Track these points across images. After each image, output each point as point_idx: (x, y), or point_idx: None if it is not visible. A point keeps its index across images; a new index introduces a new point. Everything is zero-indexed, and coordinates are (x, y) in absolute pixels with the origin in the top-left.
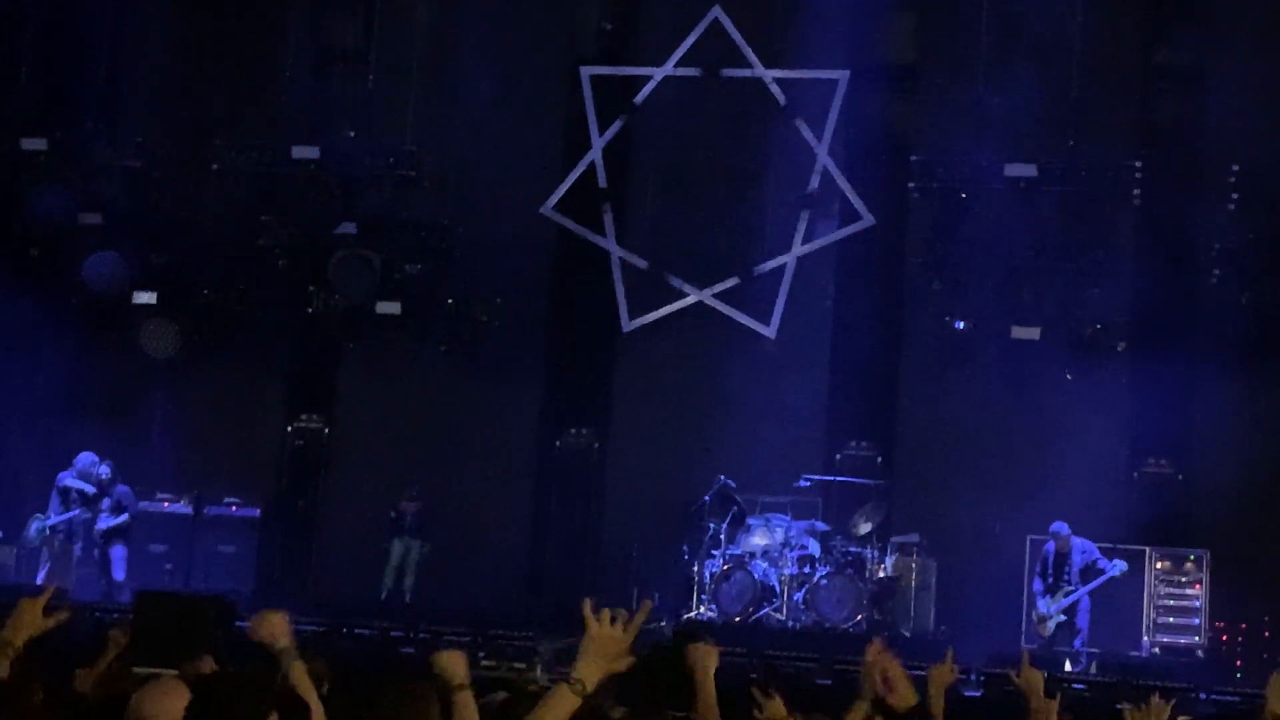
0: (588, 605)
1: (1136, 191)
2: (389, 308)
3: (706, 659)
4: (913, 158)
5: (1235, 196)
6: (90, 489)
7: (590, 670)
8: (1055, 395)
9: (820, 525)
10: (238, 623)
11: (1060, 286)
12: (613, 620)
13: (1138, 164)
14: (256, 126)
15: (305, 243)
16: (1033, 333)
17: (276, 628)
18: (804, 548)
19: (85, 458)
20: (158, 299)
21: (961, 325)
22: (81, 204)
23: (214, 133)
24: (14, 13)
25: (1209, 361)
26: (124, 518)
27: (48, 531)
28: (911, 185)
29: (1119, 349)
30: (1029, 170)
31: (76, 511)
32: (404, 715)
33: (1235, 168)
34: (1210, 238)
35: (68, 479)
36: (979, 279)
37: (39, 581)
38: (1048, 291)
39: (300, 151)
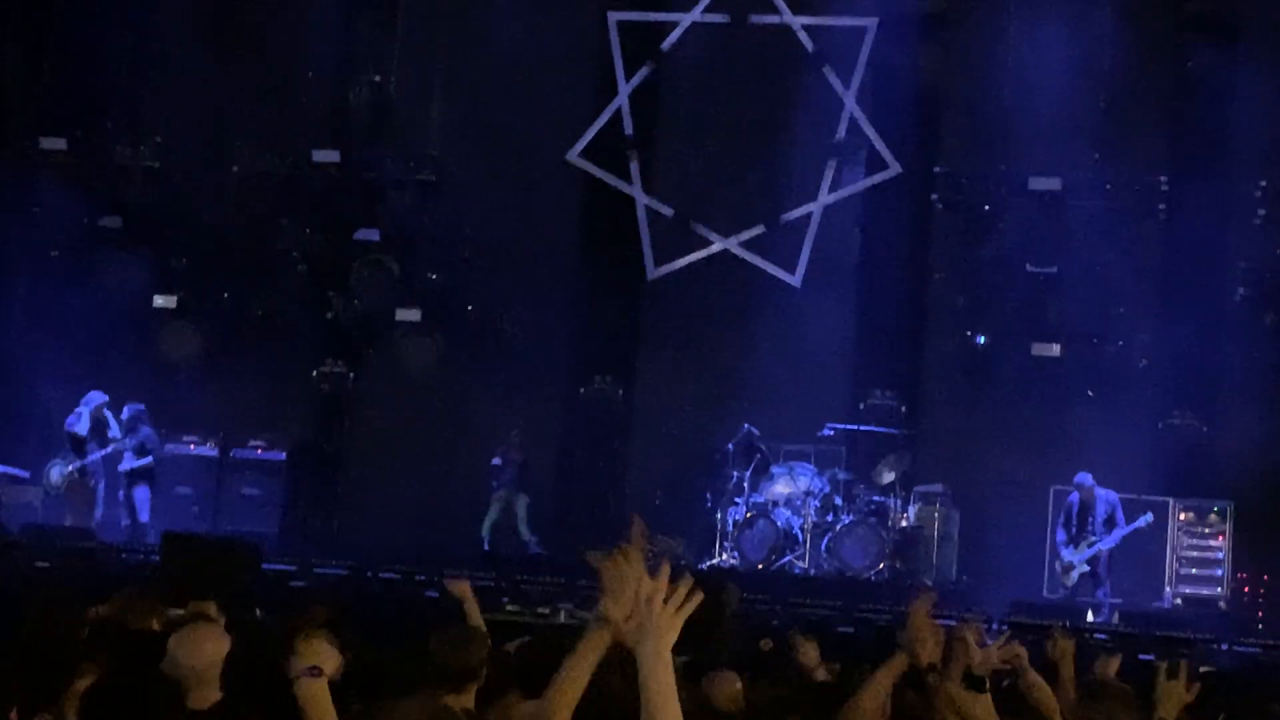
0: (593, 556)
1: (1162, 206)
2: (409, 314)
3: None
4: (936, 169)
5: (1262, 213)
6: (82, 431)
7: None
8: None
9: (843, 474)
10: (265, 565)
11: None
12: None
13: (1164, 179)
14: (277, 129)
15: (325, 248)
16: (1054, 349)
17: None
18: (827, 496)
19: (94, 397)
20: (177, 302)
21: (982, 340)
22: (101, 206)
23: (235, 134)
24: (36, 11)
25: (1230, 379)
26: (147, 460)
27: (75, 474)
28: (934, 196)
29: (1142, 365)
30: (1053, 184)
31: (98, 454)
32: (453, 658)
33: (1263, 184)
34: (1236, 255)
35: (74, 427)
36: (1000, 294)
37: (67, 524)
38: (1069, 307)
39: (321, 155)
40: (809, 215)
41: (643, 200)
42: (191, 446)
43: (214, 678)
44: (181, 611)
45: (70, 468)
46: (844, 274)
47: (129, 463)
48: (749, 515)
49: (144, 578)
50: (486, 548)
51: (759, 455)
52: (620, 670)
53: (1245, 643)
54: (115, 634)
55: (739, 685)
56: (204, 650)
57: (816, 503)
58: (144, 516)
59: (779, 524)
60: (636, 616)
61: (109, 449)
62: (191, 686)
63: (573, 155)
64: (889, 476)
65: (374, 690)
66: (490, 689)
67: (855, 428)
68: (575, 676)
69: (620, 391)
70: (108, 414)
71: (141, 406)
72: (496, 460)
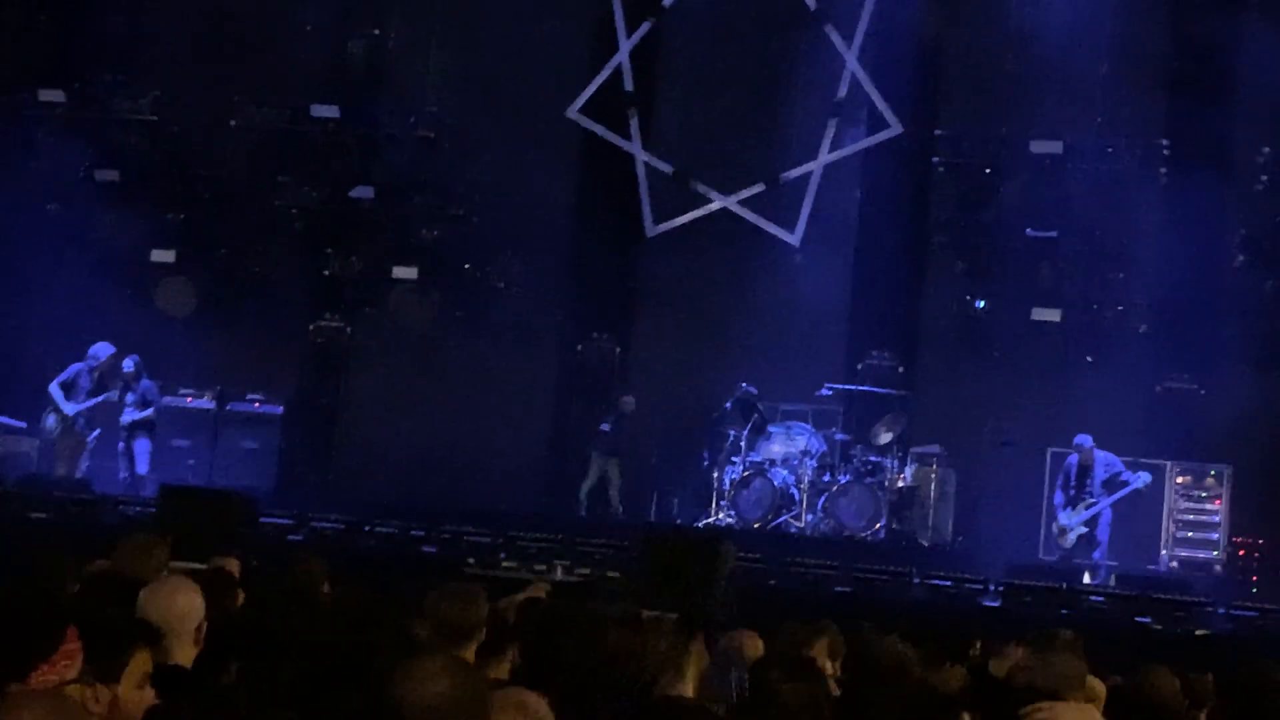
0: None
1: (1164, 171)
2: (406, 271)
3: None
4: (937, 130)
5: (1264, 179)
6: (59, 398)
7: None
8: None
9: (841, 434)
10: (262, 518)
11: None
12: None
13: (1165, 143)
14: (276, 83)
15: (323, 204)
16: (1053, 314)
17: None
18: (824, 456)
19: (101, 348)
20: (175, 257)
21: (982, 304)
22: (99, 159)
23: (233, 88)
24: None
25: (1229, 345)
26: (148, 412)
27: (65, 422)
28: (935, 158)
29: (1141, 330)
30: (1055, 147)
31: (94, 400)
32: (452, 613)
33: (1265, 150)
34: (1236, 222)
35: (65, 376)
36: (1000, 257)
37: (59, 473)
38: (1069, 272)
39: (319, 110)
40: (809, 174)
41: (642, 157)
42: (188, 399)
43: (188, 632)
44: (199, 565)
45: (64, 413)
46: (843, 234)
47: (130, 415)
48: (746, 474)
49: (143, 528)
50: (583, 513)
51: (756, 414)
52: (628, 627)
53: (1241, 606)
54: (114, 585)
55: (760, 647)
56: (174, 604)
57: (813, 462)
58: (142, 468)
59: (776, 483)
60: None
61: (99, 399)
62: (167, 640)
63: (572, 111)
64: (886, 437)
65: (376, 645)
66: (489, 646)
67: (853, 388)
68: None
69: (617, 349)
70: (105, 360)
71: (136, 357)
72: (605, 426)
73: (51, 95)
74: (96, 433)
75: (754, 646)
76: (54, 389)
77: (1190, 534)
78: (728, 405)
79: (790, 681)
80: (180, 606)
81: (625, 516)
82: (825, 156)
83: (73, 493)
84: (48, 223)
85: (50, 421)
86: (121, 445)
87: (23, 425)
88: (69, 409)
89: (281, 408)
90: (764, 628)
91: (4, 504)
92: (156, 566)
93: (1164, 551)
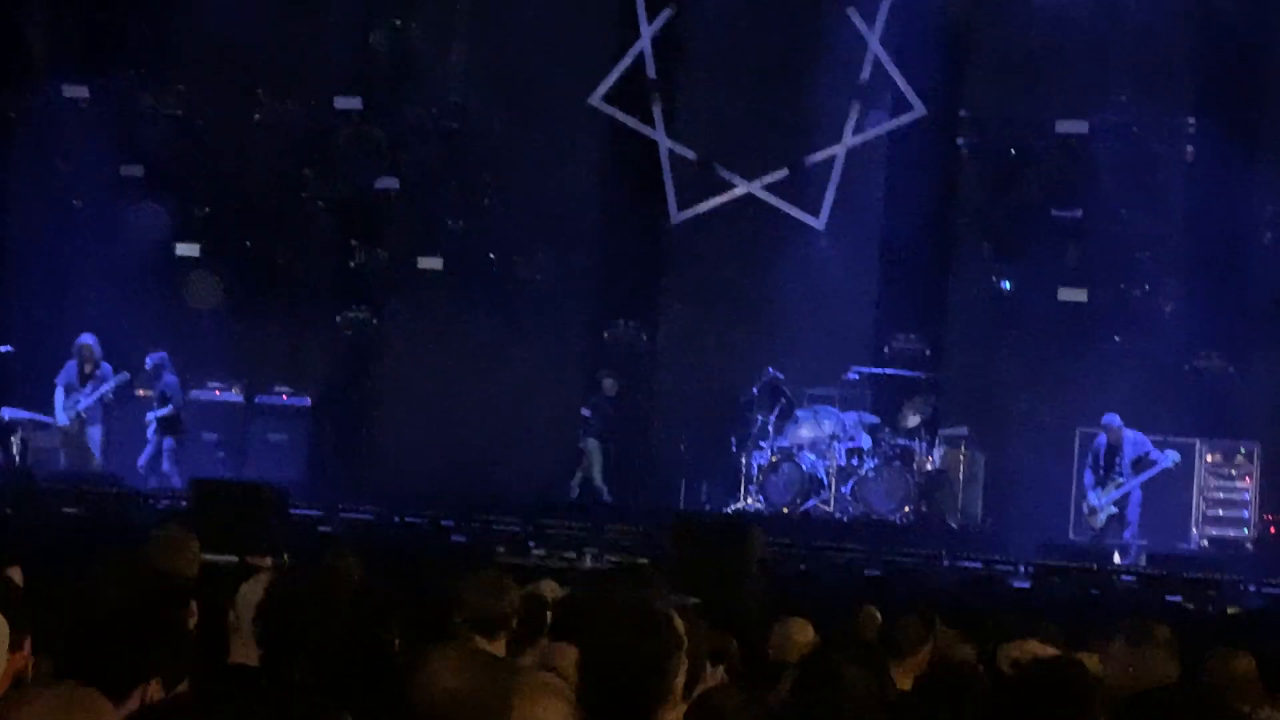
0: None
1: (1190, 149)
2: (431, 263)
3: None
4: (961, 112)
5: None
6: (75, 383)
7: None
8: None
9: (869, 417)
10: (292, 511)
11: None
12: None
13: (1191, 121)
14: (300, 76)
15: (347, 197)
16: (1080, 294)
17: None
18: (852, 440)
19: (81, 338)
20: (200, 251)
21: (1008, 285)
22: (123, 154)
23: (257, 82)
24: None
25: (1258, 323)
26: (168, 409)
27: (83, 415)
28: (959, 140)
29: (1168, 309)
30: (1080, 127)
31: (105, 387)
32: (485, 605)
33: None
34: (1264, 199)
35: (64, 379)
36: (1026, 238)
37: (61, 467)
38: (1095, 252)
39: (343, 102)
40: (833, 158)
41: (665, 144)
42: (216, 393)
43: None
44: (231, 558)
45: (78, 409)
46: (868, 217)
47: (152, 412)
48: (774, 459)
49: (175, 522)
50: (608, 498)
51: (783, 399)
52: (636, 626)
53: (1272, 583)
54: (158, 587)
55: (812, 633)
56: (180, 557)
57: (842, 446)
58: (167, 464)
59: (804, 468)
60: None
61: (107, 387)
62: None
63: (595, 99)
64: (914, 420)
65: (405, 636)
66: (521, 635)
67: (880, 371)
68: None
69: (644, 336)
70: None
71: (164, 355)
72: (586, 411)
73: (76, 91)
74: (98, 428)
75: (803, 632)
76: (58, 393)
77: (1220, 512)
78: (754, 390)
79: (852, 665)
80: (184, 561)
81: (612, 498)
82: (849, 140)
83: (102, 487)
84: (73, 218)
85: (64, 420)
86: (151, 446)
87: (50, 420)
88: (82, 402)
89: (309, 400)
90: (795, 613)
91: (36, 499)
92: (189, 562)
93: (1194, 530)
